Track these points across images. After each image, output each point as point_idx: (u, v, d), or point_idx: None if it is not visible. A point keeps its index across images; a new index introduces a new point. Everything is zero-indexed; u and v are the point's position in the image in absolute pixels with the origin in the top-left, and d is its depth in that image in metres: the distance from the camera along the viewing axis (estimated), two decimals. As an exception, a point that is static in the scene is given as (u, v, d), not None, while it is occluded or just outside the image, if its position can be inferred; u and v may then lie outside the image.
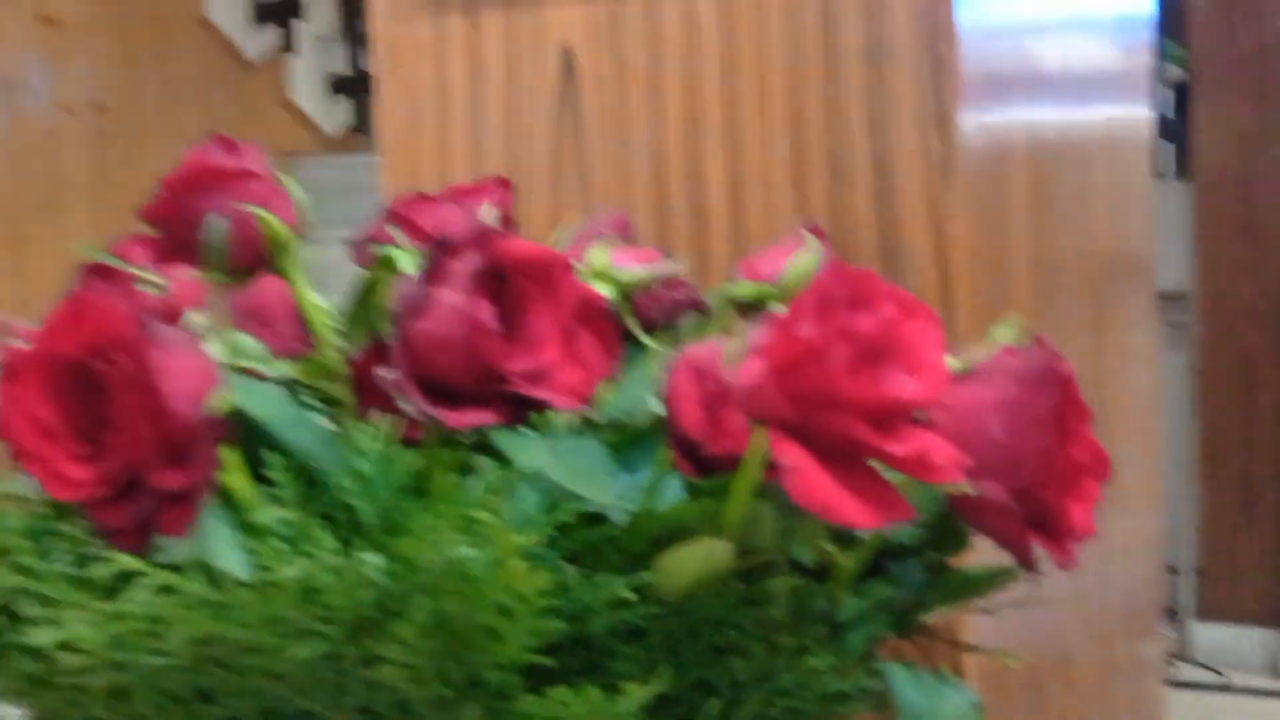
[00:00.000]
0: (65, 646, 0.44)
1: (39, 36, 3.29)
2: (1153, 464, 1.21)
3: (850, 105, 0.80)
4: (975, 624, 0.72)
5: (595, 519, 0.50)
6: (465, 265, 0.50)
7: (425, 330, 0.50)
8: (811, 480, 0.43)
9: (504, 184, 0.72)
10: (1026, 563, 0.51)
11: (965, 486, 0.48)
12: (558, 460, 0.49)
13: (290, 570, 0.42)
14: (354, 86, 4.07)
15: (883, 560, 0.57)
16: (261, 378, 0.54)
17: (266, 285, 0.60)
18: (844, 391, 0.44)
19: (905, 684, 0.51)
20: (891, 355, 0.46)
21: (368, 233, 0.67)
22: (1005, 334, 0.53)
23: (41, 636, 0.43)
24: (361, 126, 4.12)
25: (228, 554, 0.47)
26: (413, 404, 0.49)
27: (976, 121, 0.80)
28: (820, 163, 0.81)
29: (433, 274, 0.50)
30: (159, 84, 3.54)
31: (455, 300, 0.50)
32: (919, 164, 0.78)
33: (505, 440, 0.49)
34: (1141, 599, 1.15)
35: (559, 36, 0.86)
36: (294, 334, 0.61)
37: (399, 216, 0.68)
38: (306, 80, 4.02)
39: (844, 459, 0.44)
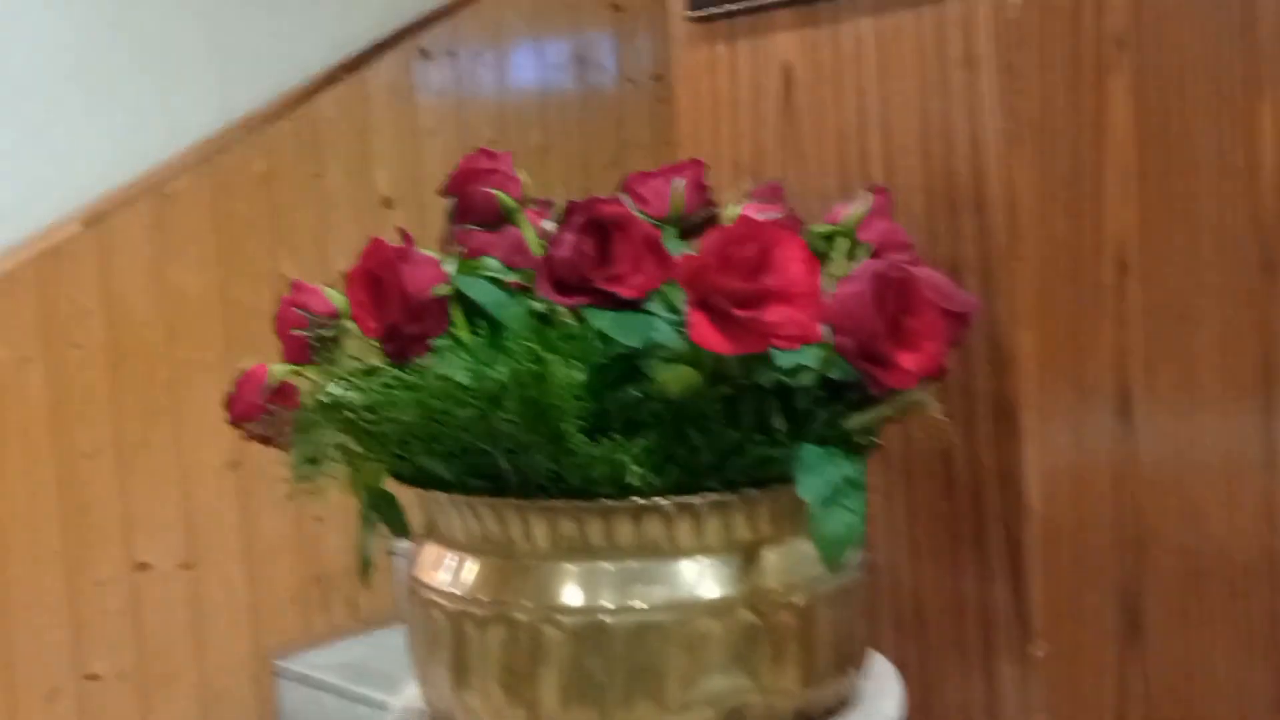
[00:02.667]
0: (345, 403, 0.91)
1: (608, 19, 3.93)
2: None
3: (955, 97, 1.14)
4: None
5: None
6: (579, 218, 0.93)
7: (556, 254, 0.93)
8: (700, 328, 0.83)
9: (698, 163, 1.13)
10: (869, 384, 0.87)
11: (815, 342, 0.85)
12: (613, 324, 0.90)
13: (442, 368, 0.87)
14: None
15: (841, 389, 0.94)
16: (498, 281, 1.00)
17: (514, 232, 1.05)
18: (718, 285, 0.83)
19: (810, 454, 0.89)
20: (767, 267, 0.84)
21: (609, 196, 1.11)
22: (860, 254, 0.89)
23: (329, 394, 0.91)
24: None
25: (451, 367, 0.93)
26: (544, 292, 0.92)
27: (1047, 101, 1.12)
28: (938, 138, 1.15)
29: (564, 223, 0.93)
30: (702, 55, 4.11)
31: (571, 238, 0.93)
32: (997, 138, 1.12)
33: (589, 312, 0.91)
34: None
35: (782, 56, 1.26)
36: (529, 259, 1.05)
37: (628, 186, 1.11)
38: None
39: (726, 320, 0.83)
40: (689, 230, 1.10)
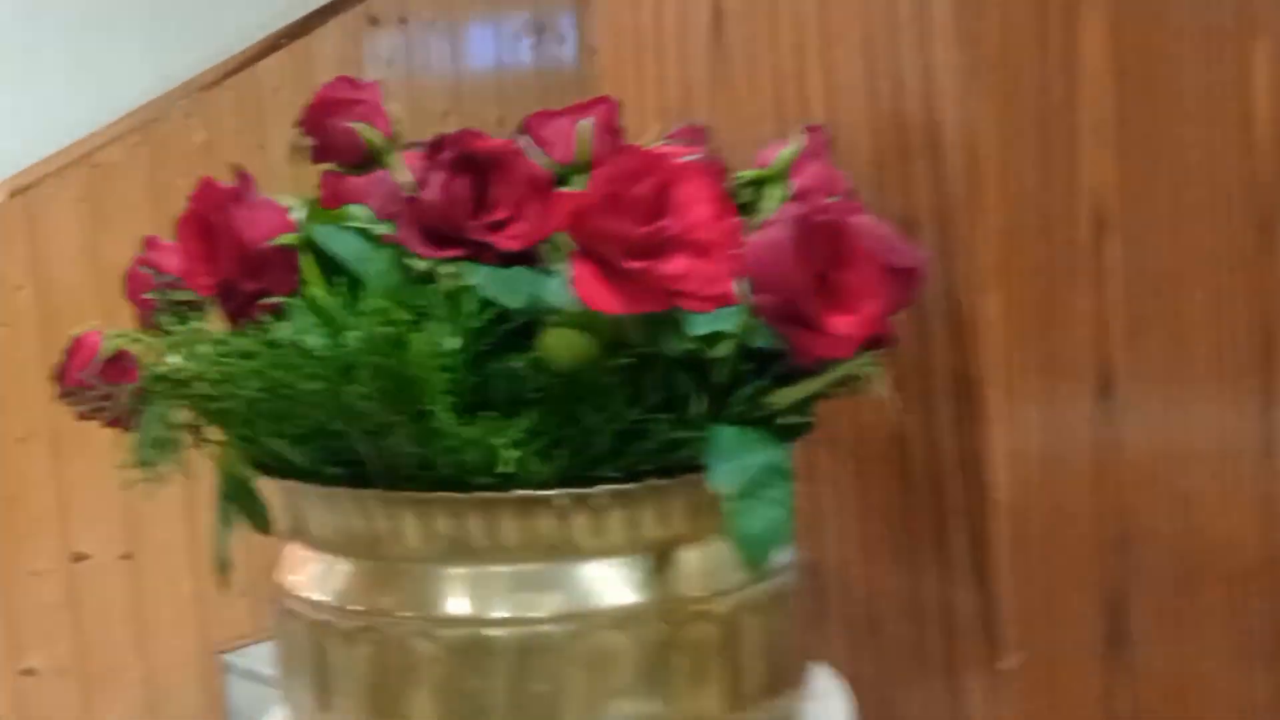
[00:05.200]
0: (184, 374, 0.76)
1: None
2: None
3: (904, 28, 0.99)
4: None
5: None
6: (449, 154, 0.78)
7: (424, 198, 0.78)
8: (586, 283, 0.68)
9: (608, 102, 0.98)
10: (794, 353, 0.72)
11: (729, 301, 0.71)
12: (490, 280, 0.75)
13: (284, 333, 0.72)
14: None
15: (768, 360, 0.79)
16: (365, 232, 0.85)
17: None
18: (606, 229, 0.68)
19: (724, 437, 0.74)
20: (667, 208, 0.70)
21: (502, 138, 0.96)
22: (777, 194, 0.74)
23: (160, 366, 0.76)
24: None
25: (303, 331, 0.78)
26: (409, 243, 0.77)
27: (1010, 30, 0.97)
28: (885, 75, 1.01)
29: (431, 161, 0.78)
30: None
31: (440, 178, 0.78)
32: (952, 72, 0.97)
33: (463, 268, 0.76)
34: None
35: (714, -15, 1.11)
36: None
37: (528, 128, 0.96)
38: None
39: (615, 273, 0.69)
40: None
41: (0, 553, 2.99)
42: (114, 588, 3.14)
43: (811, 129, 0.90)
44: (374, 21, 3.42)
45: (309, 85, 2.89)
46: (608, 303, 0.68)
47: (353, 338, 0.72)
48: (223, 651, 3.25)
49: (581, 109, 0.97)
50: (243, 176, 0.78)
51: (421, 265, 0.82)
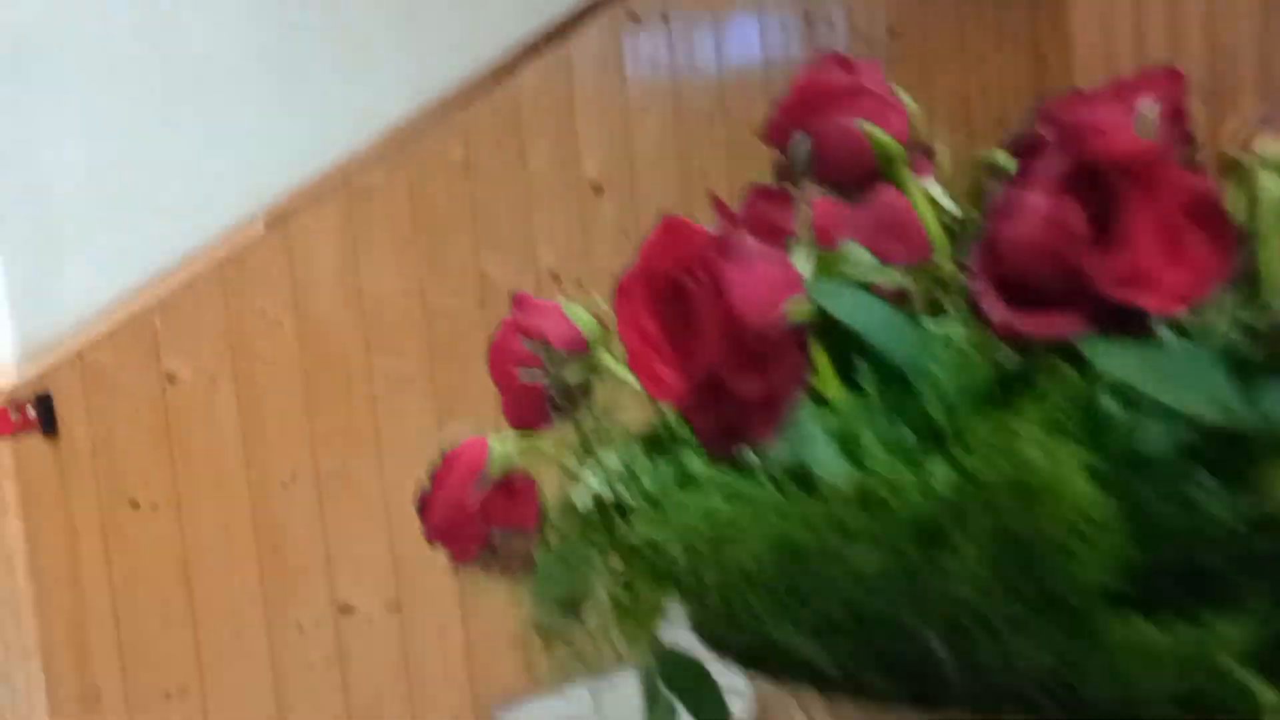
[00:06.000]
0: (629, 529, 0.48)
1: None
2: None
3: None
4: None
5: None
6: (1052, 166, 0.48)
7: (1009, 234, 0.48)
8: None
9: (1173, 75, 0.67)
10: None
11: None
12: (1150, 369, 0.45)
13: (841, 478, 0.42)
14: None
15: None
16: (874, 289, 0.55)
17: (895, 197, 0.60)
18: None
19: None
20: None
21: (1019, 134, 0.66)
22: None
23: (590, 497, 0.48)
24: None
25: (824, 458, 0.48)
26: (990, 309, 0.47)
27: None
28: None
29: (1020, 176, 0.48)
30: (950, 7, 3.59)
31: (1040, 203, 0.47)
32: None
33: (1090, 347, 0.46)
34: None
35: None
36: (924, 244, 0.60)
37: (1052, 116, 0.66)
38: None
39: None
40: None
41: (266, 605, 2.81)
42: (381, 641, 2.94)
43: None
44: (635, 19, 3.16)
45: (569, 93, 2.61)
46: None
47: (945, 483, 0.43)
48: (496, 707, 3.03)
49: (1131, 87, 0.66)
50: (725, 211, 0.49)
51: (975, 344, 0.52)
